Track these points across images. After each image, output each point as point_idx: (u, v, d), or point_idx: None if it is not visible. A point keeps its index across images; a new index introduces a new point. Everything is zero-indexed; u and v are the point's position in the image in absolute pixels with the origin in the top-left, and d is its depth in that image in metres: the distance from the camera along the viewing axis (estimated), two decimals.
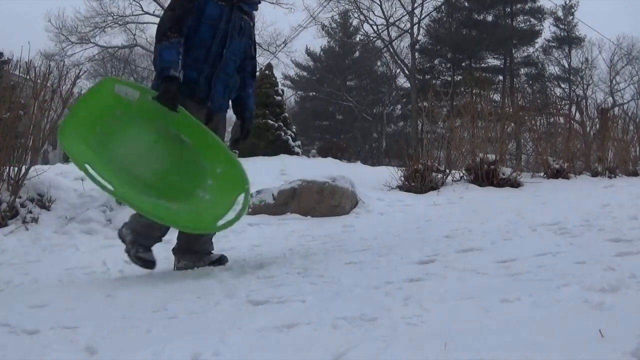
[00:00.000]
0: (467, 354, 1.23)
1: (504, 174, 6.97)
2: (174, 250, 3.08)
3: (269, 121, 12.35)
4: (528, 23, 31.93)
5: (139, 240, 2.88)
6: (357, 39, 37.68)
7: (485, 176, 6.95)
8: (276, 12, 56.36)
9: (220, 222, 2.73)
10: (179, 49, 2.71)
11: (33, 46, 7.34)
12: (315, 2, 38.31)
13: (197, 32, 2.82)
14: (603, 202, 4.21)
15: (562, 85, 32.74)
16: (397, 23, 32.03)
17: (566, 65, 33.56)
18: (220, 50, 2.87)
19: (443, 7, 31.92)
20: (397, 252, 2.75)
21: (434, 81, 30.76)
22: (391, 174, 7.35)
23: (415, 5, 31.35)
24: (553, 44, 33.59)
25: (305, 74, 38.40)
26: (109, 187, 2.58)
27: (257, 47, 3.25)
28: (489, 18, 32.73)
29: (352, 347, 1.36)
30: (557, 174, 7.58)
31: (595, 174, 8.13)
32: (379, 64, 37.21)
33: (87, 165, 2.56)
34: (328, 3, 31.41)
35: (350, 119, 36.46)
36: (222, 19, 2.86)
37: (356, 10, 34.08)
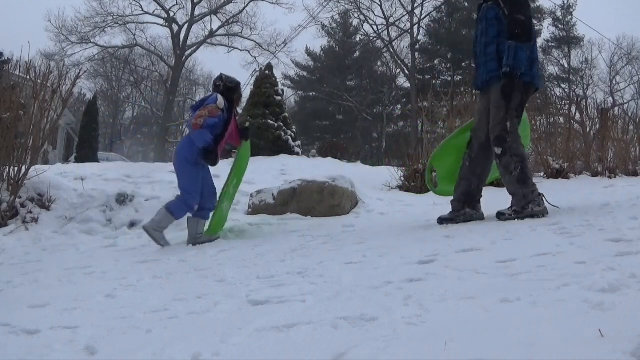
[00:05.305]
0: (467, 354, 1.23)
1: None
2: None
3: (269, 121, 12.34)
4: None
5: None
6: (357, 39, 37.69)
7: None
8: (276, 12, 56.58)
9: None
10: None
11: (33, 46, 7.36)
12: (315, 2, 38.32)
13: None
14: (603, 202, 4.21)
15: (562, 85, 32.75)
16: (397, 23, 32.07)
17: (566, 65, 33.57)
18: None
19: (443, 7, 31.93)
20: (397, 252, 2.75)
21: (434, 81, 30.76)
22: (391, 174, 7.35)
23: (415, 5, 31.39)
24: (552, 44, 33.60)
25: (305, 74, 38.40)
26: (432, 186, 4.47)
27: (504, 7, 3.62)
28: None
29: (352, 347, 1.36)
30: (557, 174, 7.58)
31: (595, 174, 8.12)
32: (379, 64, 37.21)
33: (434, 165, 4.25)
34: (328, 3, 31.49)
35: (350, 119, 36.45)
36: None
37: (356, 10, 34.16)
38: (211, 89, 4.56)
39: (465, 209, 3.79)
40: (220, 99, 4.25)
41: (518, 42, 3.51)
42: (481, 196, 3.87)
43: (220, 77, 4.55)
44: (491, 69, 3.67)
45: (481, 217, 3.80)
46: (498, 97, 3.59)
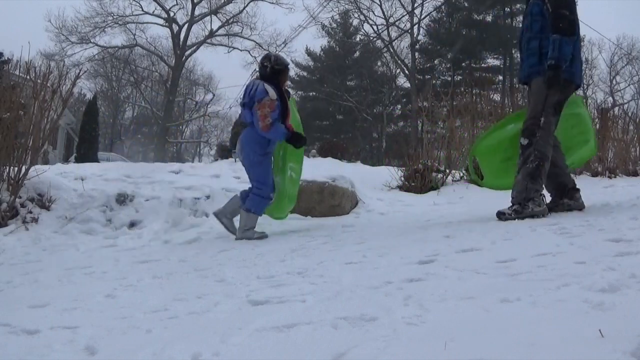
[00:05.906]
0: (467, 354, 1.23)
1: None
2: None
3: None
4: None
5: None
6: (357, 39, 37.70)
7: None
8: (276, 12, 56.63)
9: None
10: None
11: (33, 46, 7.35)
12: (315, 2, 38.33)
13: None
14: (603, 202, 4.21)
15: None
16: (397, 23, 32.05)
17: None
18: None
19: (443, 7, 31.93)
20: (397, 252, 2.75)
21: (434, 81, 30.76)
22: (391, 174, 7.35)
23: (415, 5, 31.38)
24: None
25: (305, 74, 38.40)
26: (479, 179, 4.43)
27: (547, 3, 3.64)
28: (489, 18, 32.73)
29: (352, 347, 1.36)
30: None
31: (595, 174, 8.12)
32: (379, 64, 37.20)
33: (475, 156, 4.23)
34: (328, 3, 31.47)
35: (350, 119, 36.45)
36: None
37: (356, 10, 34.13)
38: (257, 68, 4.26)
39: (564, 199, 3.79)
40: (271, 90, 4.06)
41: (562, 35, 3.52)
42: (574, 184, 3.85)
43: (269, 58, 4.29)
44: (532, 63, 3.71)
45: (580, 207, 3.78)
46: (536, 90, 3.65)
